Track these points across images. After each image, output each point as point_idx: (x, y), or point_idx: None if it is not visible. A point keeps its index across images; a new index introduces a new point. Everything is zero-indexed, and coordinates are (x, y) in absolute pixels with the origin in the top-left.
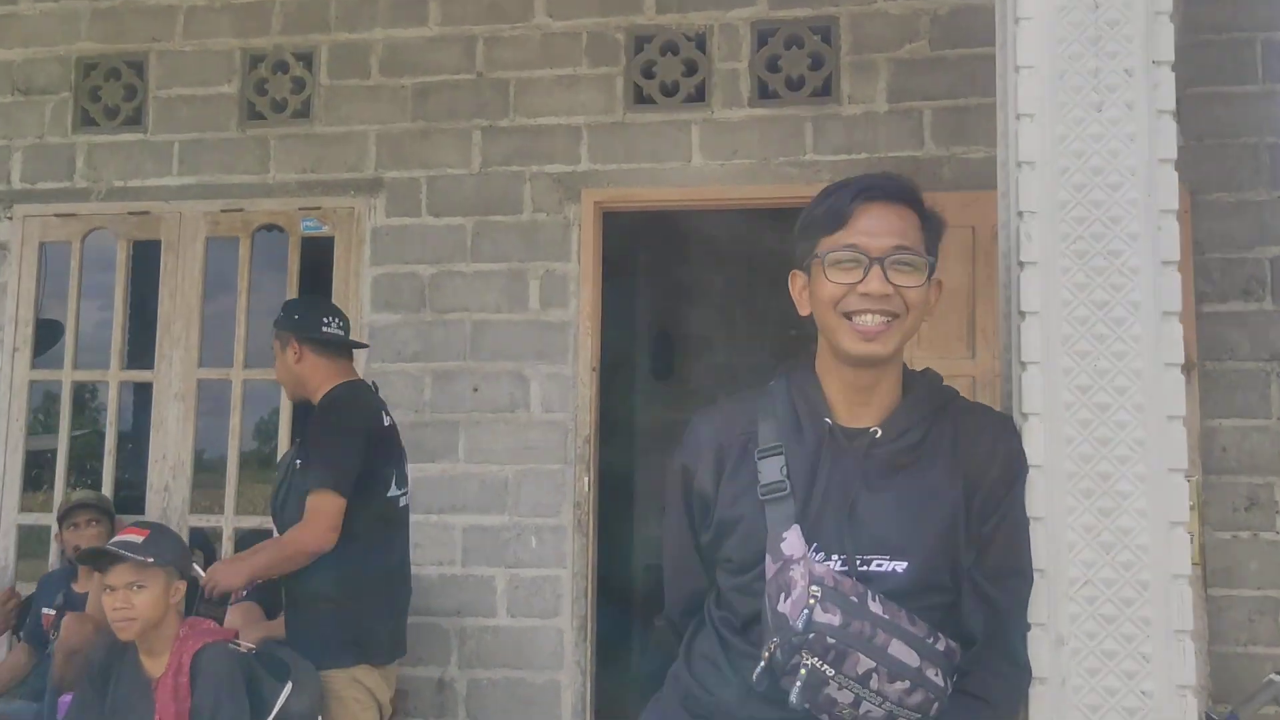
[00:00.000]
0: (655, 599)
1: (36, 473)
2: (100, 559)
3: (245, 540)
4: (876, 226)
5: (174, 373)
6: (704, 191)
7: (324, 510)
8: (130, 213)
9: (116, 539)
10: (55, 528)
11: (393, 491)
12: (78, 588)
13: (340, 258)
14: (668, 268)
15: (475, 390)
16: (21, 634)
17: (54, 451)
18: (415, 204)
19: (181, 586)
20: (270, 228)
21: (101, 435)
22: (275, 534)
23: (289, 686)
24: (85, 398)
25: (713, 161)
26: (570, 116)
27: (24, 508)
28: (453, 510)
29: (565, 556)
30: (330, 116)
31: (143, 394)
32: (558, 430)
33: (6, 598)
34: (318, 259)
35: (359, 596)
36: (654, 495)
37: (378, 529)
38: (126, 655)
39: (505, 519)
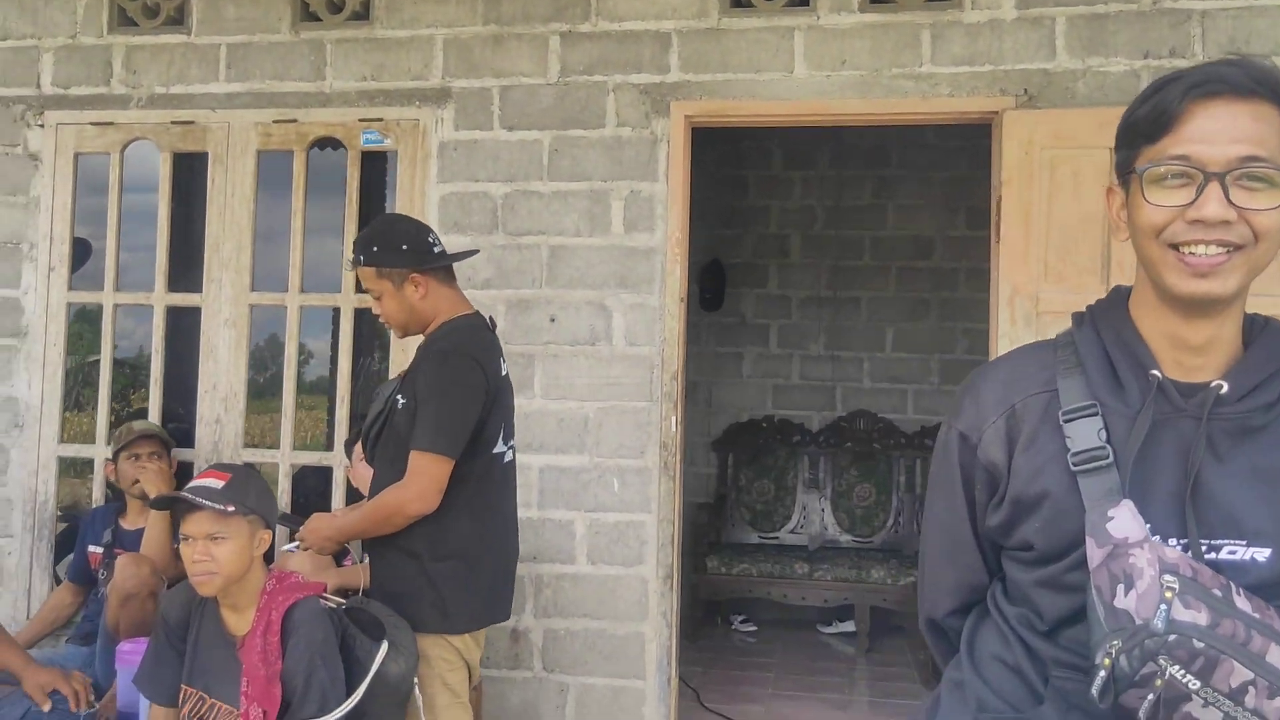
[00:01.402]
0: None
1: (75, 404)
2: (177, 505)
3: (302, 478)
4: (1217, 131)
5: (224, 297)
6: (807, 106)
7: (430, 473)
8: (174, 122)
9: (194, 483)
10: (107, 459)
11: (499, 447)
12: (126, 524)
13: (403, 175)
14: (719, 191)
15: (552, 321)
16: (64, 572)
17: (91, 380)
18: (486, 116)
19: (267, 537)
20: (327, 141)
21: (121, 365)
22: (351, 463)
23: (384, 647)
24: (128, 324)
25: (817, 73)
26: (659, 21)
27: (64, 439)
28: (528, 450)
29: (650, 501)
30: (393, 19)
31: (190, 320)
32: (642, 365)
33: None
34: (377, 177)
35: (456, 560)
36: (700, 433)
37: (480, 488)
38: (206, 609)
39: (585, 460)
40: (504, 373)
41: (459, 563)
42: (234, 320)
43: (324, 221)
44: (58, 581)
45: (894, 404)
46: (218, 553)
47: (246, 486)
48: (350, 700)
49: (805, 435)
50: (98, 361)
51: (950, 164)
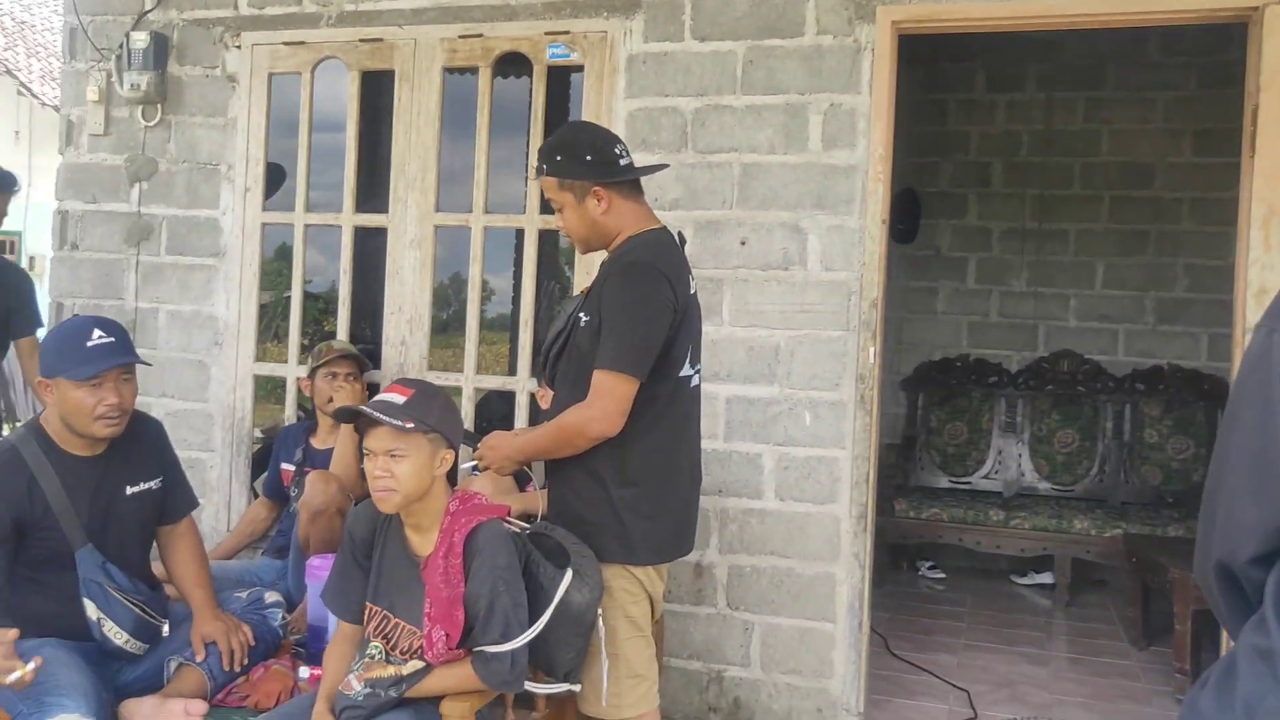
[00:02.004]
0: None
1: (274, 335)
2: (357, 419)
3: (485, 403)
4: None
5: (409, 218)
6: (1033, 6)
7: (615, 393)
8: (362, 40)
9: (377, 398)
10: (301, 376)
11: (686, 370)
12: (317, 443)
13: (590, 90)
14: (915, 116)
15: (743, 244)
16: (261, 487)
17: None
18: (677, 26)
19: (449, 457)
20: (511, 57)
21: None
22: (542, 386)
23: (569, 575)
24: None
25: None
26: None
27: (258, 357)
28: (715, 379)
29: (844, 436)
30: None
31: (377, 241)
32: (839, 291)
33: None
34: (562, 94)
35: (640, 488)
36: (889, 370)
37: (666, 413)
38: (391, 528)
39: (775, 391)
40: (693, 291)
41: (643, 491)
42: (419, 241)
43: (508, 144)
44: (255, 496)
45: (1102, 345)
46: (397, 469)
47: (429, 403)
48: (534, 628)
49: (1003, 376)
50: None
51: (1175, 83)
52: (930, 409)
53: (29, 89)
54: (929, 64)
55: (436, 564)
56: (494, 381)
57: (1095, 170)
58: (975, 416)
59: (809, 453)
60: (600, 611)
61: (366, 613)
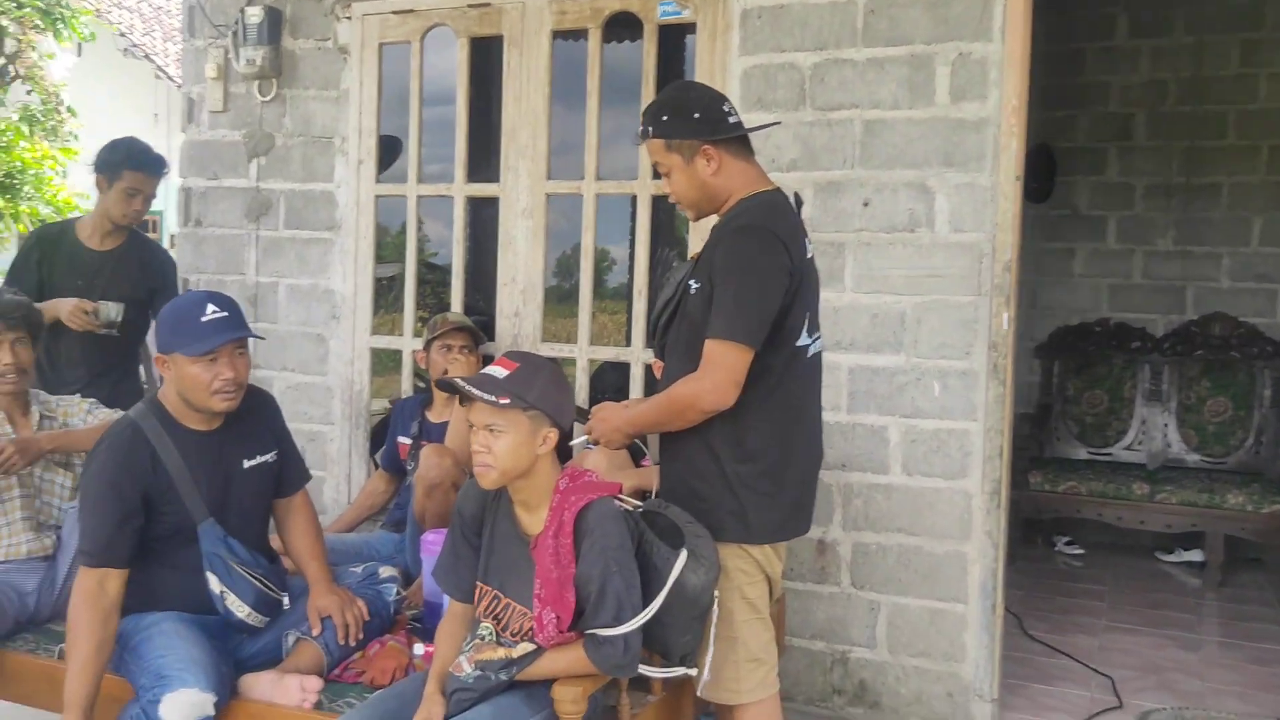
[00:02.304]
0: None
1: (394, 297)
2: (454, 390)
3: (600, 374)
4: None
5: (521, 187)
6: None
7: (728, 363)
8: (470, 5)
9: (482, 371)
10: (417, 349)
11: (803, 339)
12: (432, 416)
13: (702, 48)
14: (1049, 68)
15: (866, 205)
16: (379, 460)
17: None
18: None
19: (552, 436)
20: (621, 18)
21: (431, 270)
22: (657, 358)
23: (684, 555)
24: (436, 230)
25: None
26: None
27: (377, 330)
28: (837, 348)
29: (976, 407)
30: None
31: (489, 211)
32: (969, 254)
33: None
34: (674, 54)
35: (756, 463)
36: (1021, 336)
37: (783, 384)
38: (501, 506)
39: (901, 360)
40: (809, 255)
41: (760, 466)
42: (531, 210)
43: (620, 111)
44: (375, 468)
45: (1259, 307)
46: (494, 445)
47: (531, 379)
48: (647, 611)
49: (1147, 341)
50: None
51: None
52: (1067, 377)
53: (165, 72)
54: (1063, 11)
55: (546, 543)
56: (608, 353)
57: (1251, 118)
58: (1116, 384)
59: (938, 425)
60: (716, 593)
61: (477, 592)
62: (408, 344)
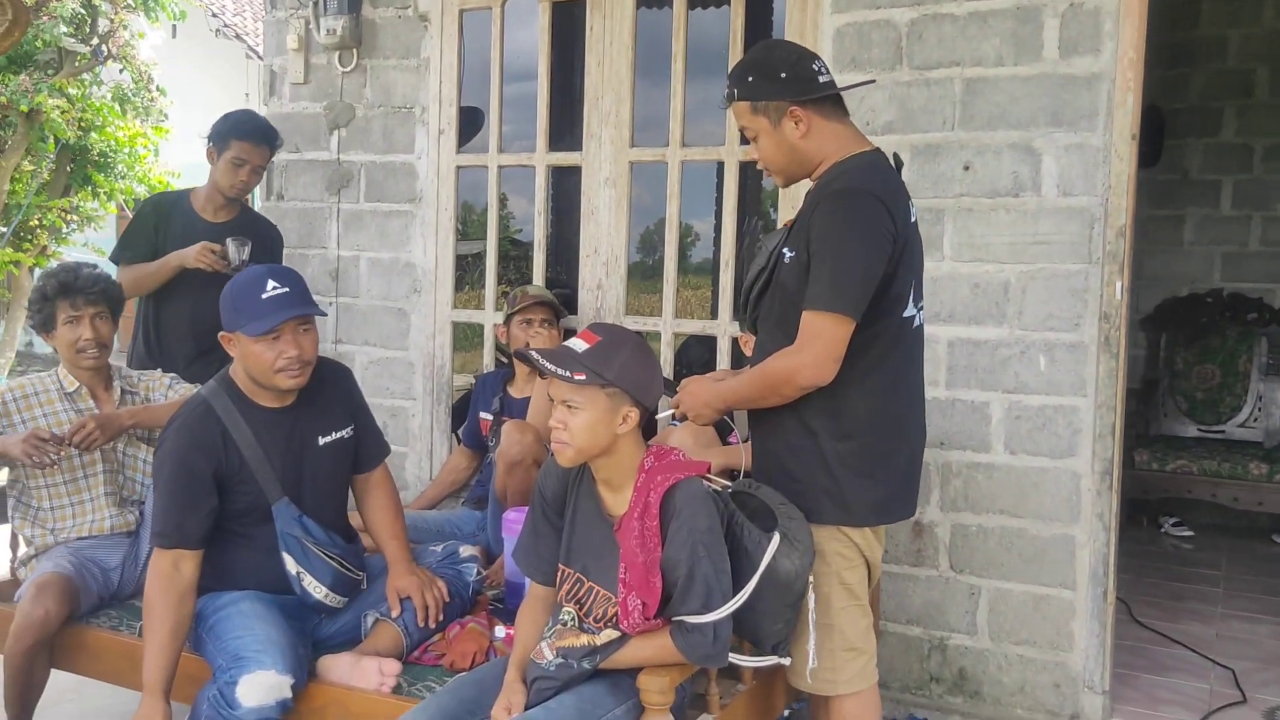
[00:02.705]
0: None
1: (465, 273)
2: (531, 363)
3: (685, 349)
4: None
5: (604, 155)
6: None
7: (827, 336)
8: None
9: (561, 344)
10: (498, 323)
11: (909, 309)
12: (514, 392)
13: (792, 5)
14: (1158, 25)
15: (966, 169)
16: (461, 436)
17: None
18: None
19: (633, 415)
20: None
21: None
22: (744, 330)
23: (776, 539)
24: (518, 204)
25: None
26: None
27: (459, 304)
28: (935, 320)
29: (1085, 382)
30: None
31: (571, 181)
32: (1078, 219)
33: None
34: (761, 15)
35: (857, 441)
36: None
37: (886, 357)
38: (583, 485)
39: (1004, 332)
40: (913, 219)
41: (860, 444)
42: (614, 179)
43: (705, 81)
44: (457, 444)
45: None
46: (571, 422)
47: (611, 354)
48: (738, 598)
49: (1265, 313)
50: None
51: None
52: (1175, 350)
53: (256, 52)
54: None
55: (631, 525)
56: (693, 326)
57: None
58: (1230, 358)
59: (1044, 401)
60: (811, 579)
61: (559, 575)
62: (489, 318)
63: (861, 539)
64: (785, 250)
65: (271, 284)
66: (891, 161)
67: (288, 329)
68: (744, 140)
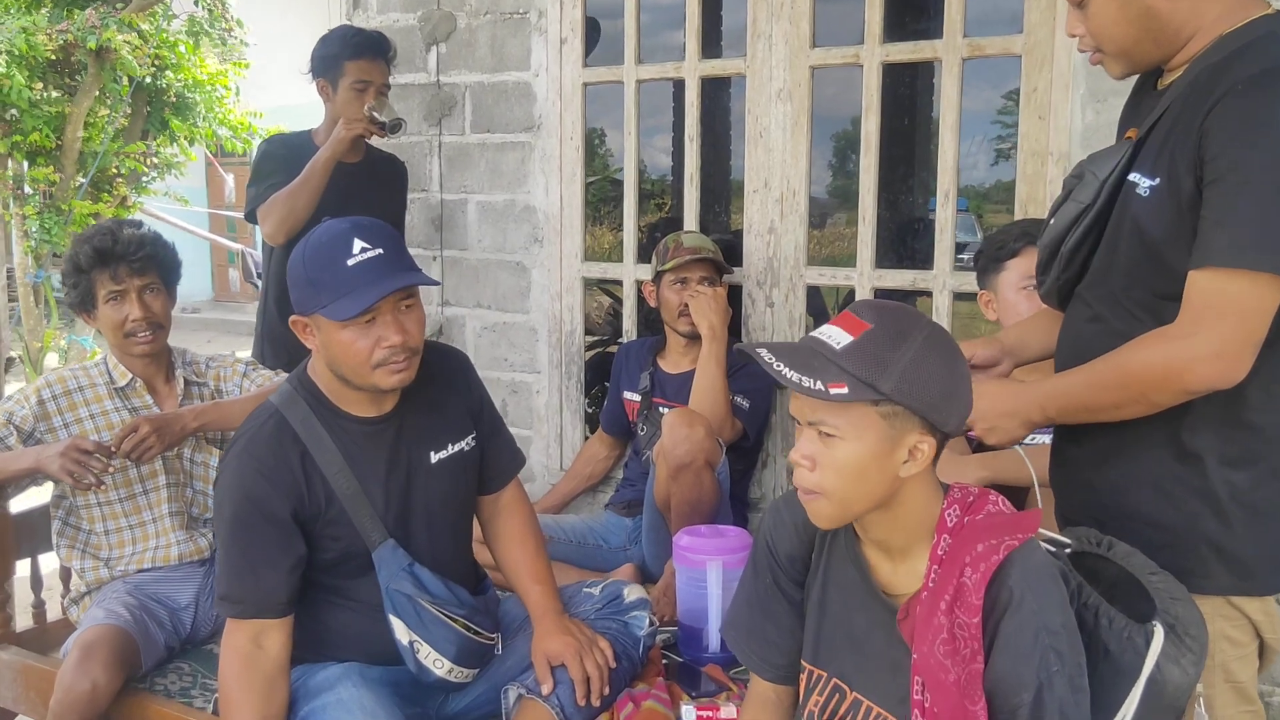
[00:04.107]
0: None
1: (594, 220)
2: (751, 360)
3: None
4: None
5: (774, 60)
6: None
7: (1243, 310)
8: None
9: (809, 338)
10: (644, 280)
11: None
12: (666, 366)
13: None
14: None
15: None
16: (601, 419)
17: (609, 195)
18: None
19: (928, 447)
20: None
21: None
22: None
23: (1158, 634)
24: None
25: None
26: None
27: (587, 256)
28: None
29: None
30: None
31: (725, 96)
32: None
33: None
34: None
35: (1257, 466)
36: None
37: None
38: (836, 544)
39: None
40: None
41: (1264, 472)
42: (789, 91)
43: None
44: (592, 429)
45: None
46: (824, 457)
47: (890, 350)
48: None
49: None
50: (609, 180)
51: None
52: None
53: None
54: None
55: (931, 619)
56: (900, 278)
57: None
58: None
59: None
60: (1201, 689)
61: (804, 676)
62: (630, 271)
63: (1262, 613)
64: (1139, 178)
65: (359, 244)
66: None
67: (385, 308)
68: (969, 29)
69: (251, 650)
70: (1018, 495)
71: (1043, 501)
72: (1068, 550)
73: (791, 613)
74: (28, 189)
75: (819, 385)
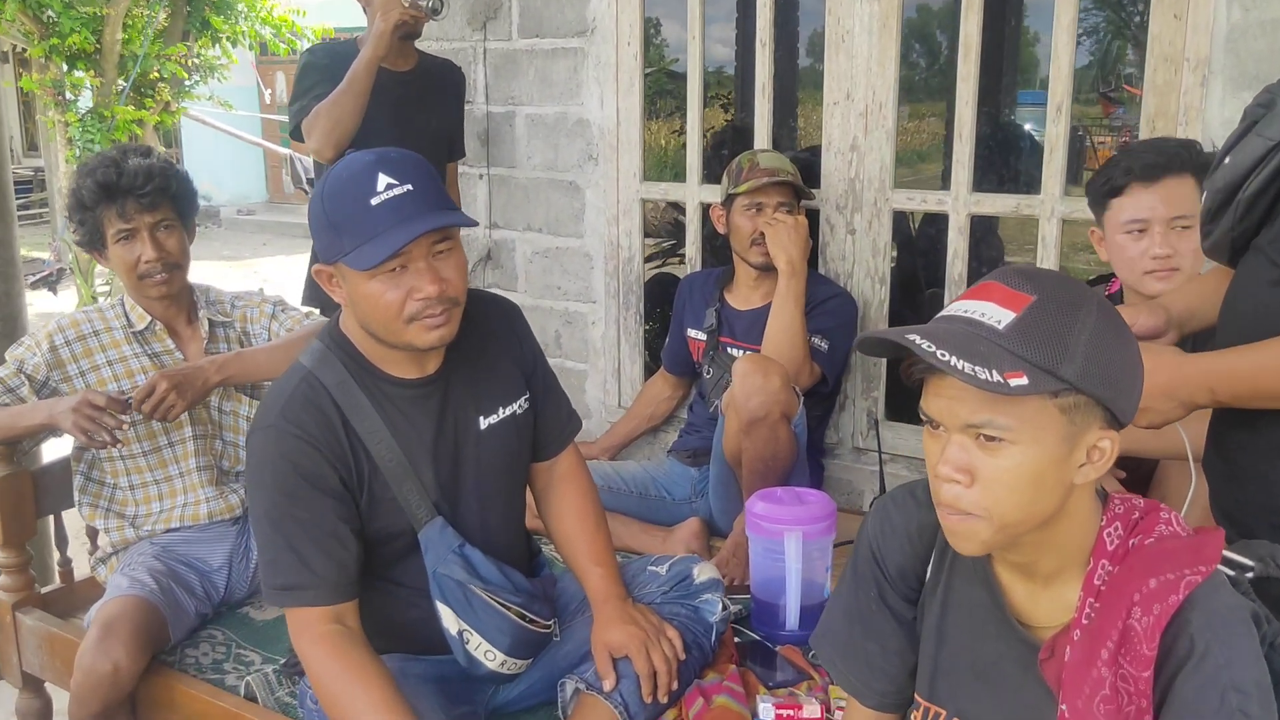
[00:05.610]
0: None
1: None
2: (897, 355)
3: (981, 240)
4: None
5: None
6: None
7: None
8: None
9: (948, 313)
10: (712, 203)
11: None
12: (735, 301)
13: None
14: None
15: None
16: (663, 357)
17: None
18: None
19: (1108, 444)
20: None
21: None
22: (1211, 257)
23: None
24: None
25: None
26: None
27: (646, 176)
28: None
29: None
30: None
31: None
32: None
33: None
34: None
35: None
36: None
37: None
38: (958, 564)
39: None
40: None
41: None
42: None
43: None
44: (653, 366)
45: None
46: (986, 469)
47: (1067, 327)
48: None
49: None
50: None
51: None
52: None
53: None
54: None
55: (1090, 668)
56: (1001, 203)
57: None
58: None
59: None
60: None
61: (916, 713)
62: (694, 193)
63: None
64: None
65: (385, 180)
66: None
67: (418, 252)
68: None
69: (339, 632)
70: (1141, 472)
71: (1195, 489)
72: (1249, 575)
73: (900, 634)
74: (69, 95)
75: (996, 376)
